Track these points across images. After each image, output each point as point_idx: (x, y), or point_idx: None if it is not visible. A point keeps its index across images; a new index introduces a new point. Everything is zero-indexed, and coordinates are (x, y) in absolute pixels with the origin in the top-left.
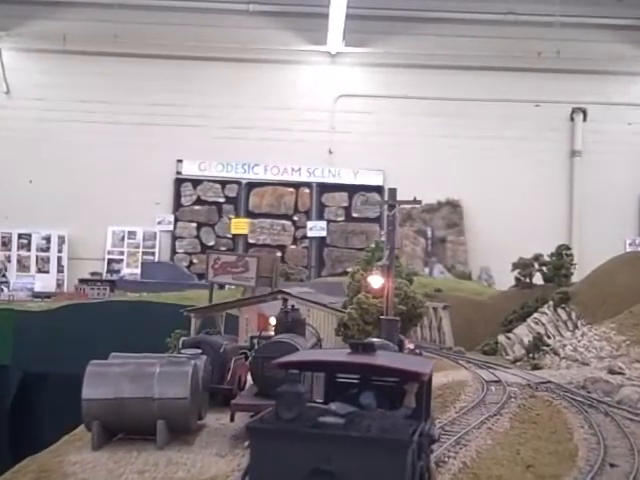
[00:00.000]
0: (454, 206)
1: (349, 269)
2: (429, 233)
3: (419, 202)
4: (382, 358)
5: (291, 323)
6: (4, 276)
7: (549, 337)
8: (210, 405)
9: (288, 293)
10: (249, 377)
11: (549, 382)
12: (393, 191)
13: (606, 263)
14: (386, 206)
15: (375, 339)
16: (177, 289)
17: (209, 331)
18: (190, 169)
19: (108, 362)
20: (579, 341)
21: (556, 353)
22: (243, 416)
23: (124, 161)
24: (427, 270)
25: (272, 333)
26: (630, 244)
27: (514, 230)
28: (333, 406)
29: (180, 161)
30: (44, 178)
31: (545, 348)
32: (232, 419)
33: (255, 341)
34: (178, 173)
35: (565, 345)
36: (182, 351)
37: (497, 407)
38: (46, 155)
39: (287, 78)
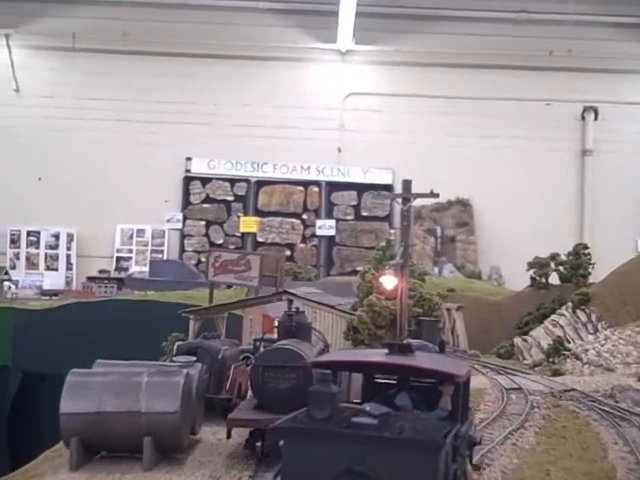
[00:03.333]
0: (464, 205)
1: (359, 268)
2: (439, 232)
3: (436, 195)
4: (418, 359)
5: (295, 327)
6: (7, 273)
7: (568, 341)
8: (206, 417)
9: (293, 294)
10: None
11: (573, 390)
12: (407, 183)
13: (626, 263)
14: (400, 200)
15: (413, 340)
16: (185, 287)
17: (207, 335)
18: (199, 167)
19: (90, 371)
20: (602, 345)
21: (578, 358)
22: (242, 432)
23: (133, 159)
24: (436, 270)
25: (276, 336)
26: None
27: (524, 229)
28: (367, 407)
29: (189, 159)
30: (53, 176)
31: (566, 352)
32: (228, 436)
33: (259, 344)
34: (187, 171)
35: (588, 349)
36: (175, 358)
37: (520, 419)
38: (55, 153)
39: (297, 76)
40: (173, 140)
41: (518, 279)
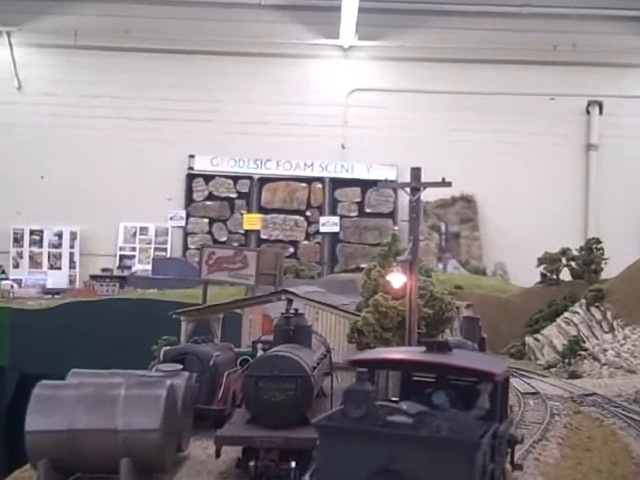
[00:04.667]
0: (468, 201)
1: (363, 265)
2: (443, 228)
3: (449, 184)
4: (456, 357)
5: (293, 331)
6: (3, 272)
7: (583, 340)
8: (196, 430)
9: (293, 293)
10: None
11: (594, 394)
12: (417, 172)
13: None
14: (408, 190)
15: (452, 338)
16: (188, 285)
17: (197, 339)
18: (202, 164)
19: (61, 384)
20: (622, 345)
21: (596, 359)
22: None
23: (136, 156)
24: (441, 266)
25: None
26: None
27: (528, 225)
28: (404, 405)
29: (192, 156)
30: (56, 174)
31: (582, 353)
32: (217, 455)
33: (258, 346)
34: (190, 168)
35: (606, 350)
36: (159, 367)
37: (541, 429)
38: (58, 151)
39: (299, 72)
40: (176, 137)
41: (523, 275)
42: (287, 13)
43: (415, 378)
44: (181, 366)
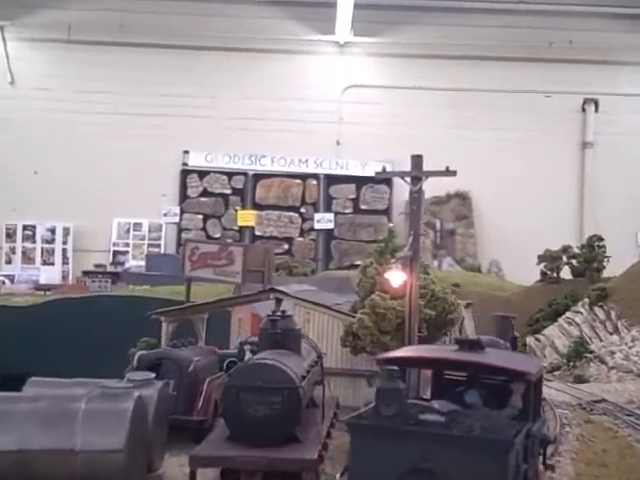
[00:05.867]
0: (463, 198)
1: (357, 262)
2: (438, 225)
3: (453, 173)
4: (488, 356)
5: (280, 335)
6: None
7: (587, 341)
8: (173, 444)
9: (282, 292)
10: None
11: (604, 401)
12: (418, 159)
13: None
14: (409, 179)
15: (484, 336)
16: (181, 282)
17: (176, 342)
18: (196, 160)
19: (14, 396)
20: (630, 347)
21: (602, 361)
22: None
23: (130, 152)
24: (436, 263)
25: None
26: None
27: (524, 222)
28: (435, 404)
29: (186, 152)
30: (49, 169)
31: (588, 355)
32: (192, 478)
33: (246, 348)
34: (184, 164)
35: (613, 352)
36: (129, 375)
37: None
38: (51, 146)
39: (295, 68)
40: (170, 133)
41: (518, 272)
42: (282, 9)
43: (446, 377)
44: (153, 374)
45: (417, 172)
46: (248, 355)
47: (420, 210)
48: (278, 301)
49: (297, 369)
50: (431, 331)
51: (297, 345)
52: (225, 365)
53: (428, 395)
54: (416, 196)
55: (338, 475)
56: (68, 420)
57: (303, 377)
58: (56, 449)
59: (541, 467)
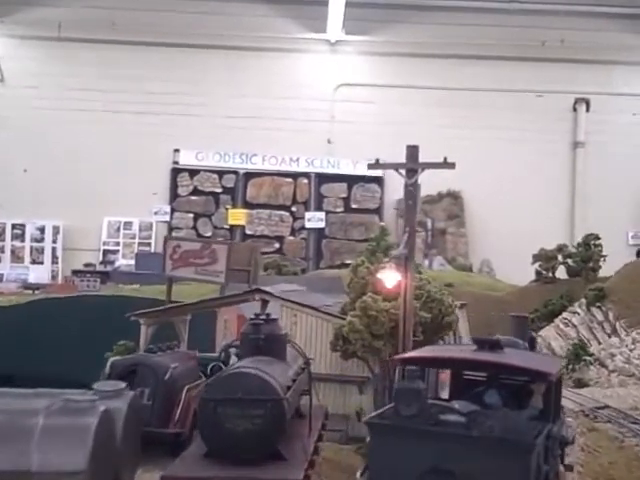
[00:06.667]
0: (455, 197)
1: (348, 261)
2: (429, 225)
3: (452, 165)
4: (509, 356)
5: (264, 340)
6: None
7: (585, 343)
8: (148, 459)
9: (268, 292)
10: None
11: (607, 407)
12: (414, 150)
13: None
14: (404, 172)
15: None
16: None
17: (152, 347)
18: (187, 159)
19: None
20: (631, 350)
21: (603, 365)
22: None
23: (120, 150)
24: (427, 262)
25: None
26: (633, 236)
27: (515, 221)
28: (455, 404)
29: (177, 151)
30: (39, 167)
31: (588, 358)
32: None
33: (231, 351)
34: (175, 163)
35: (614, 355)
36: (96, 385)
37: None
38: (41, 144)
39: (286, 67)
40: (161, 131)
41: (510, 272)
42: (273, 7)
43: (465, 377)
44: (123, 384)
45: (412, 164)
46: (233, 359)
47: (416, 205)
48: (264, 302)
49: (281, 378)
50: (427, 335)
51: (282, 351)
52: (209, 370)
53: (445, 396)
54: (411, 190)
55: (358, 474)
56: (23, 437)
57: (288, 387)
58: (9, 470)
59: (562, 469)
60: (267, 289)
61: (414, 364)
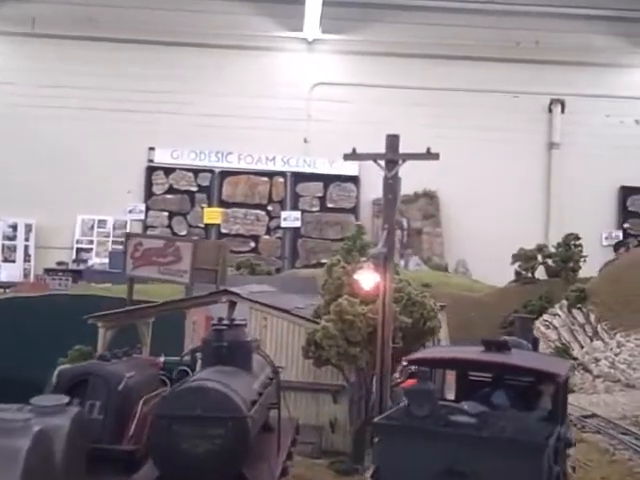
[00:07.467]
0: (431, 197)
1: (324, 260)
2: (405, 224)
3: (435, 155)
4: (517, 357)
5: (227, 349)
6: None
7: (567, 345)
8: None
9: (235, 294)
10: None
11: (594, 415)
12: (394, 139)
13: (628, 256)
14: (383, 163)
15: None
16: (144, 280)
17: (104, 355)
18: (162, 157)
19: None
20: (616, 354)
21: (587, 369)
22: None
23: (95, 148)
24: (403, 263)
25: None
26: (606, 237)
27: (491, 222)
28: (465, 405)
29: (152, 149)
30: (12, 164)
31: (571, 362)
32: None
33: (198, 356)
34: (150, 161)
35: (598, 359)
36: (34, 400)
37: None
38: (14, 141)
39: (263, 65)
40: (136, 129)
41: (485, 272)
42: (250, 5)
43: (471, 378)
44: (66, 398)
45: (392, 155)
46: (200, 364)
47: (396, 199)
48: (231, 304)
49: (246, 392)
50: (407, 341)
51: (247, 361)
52: (175, 375)
53: (450, 397)
54: (391, 183)
55: (368, 475)
56: None
57: (253, 402)
58: None
59: (570, 470)
60: (235, 290)
61: (422, 365)
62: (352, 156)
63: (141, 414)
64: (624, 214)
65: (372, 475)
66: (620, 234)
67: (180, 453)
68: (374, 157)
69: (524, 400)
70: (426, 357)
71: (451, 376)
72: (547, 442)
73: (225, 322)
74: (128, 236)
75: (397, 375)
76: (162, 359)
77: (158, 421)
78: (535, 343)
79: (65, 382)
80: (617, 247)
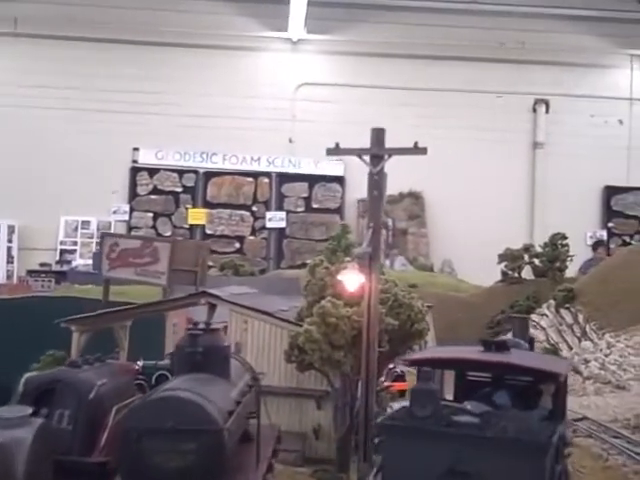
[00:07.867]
0: (416, 197)
1: (309, 261)
2: (390, 224)
3: (423, 150)
4: (517, 357)
5: (202, 355)
6: None
7: (553, 345)
8: None
9: (215, 295)
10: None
11: (585, 418)
12: (380, 133)
13: (616, 255)
14: (367, 159)
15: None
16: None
17: (74, 361)
18: (146, 158)
19: None
20: (606, 355)
21: (577, 371)
22: None
23: (79, 148)
24: (388, 263)
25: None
26: (591, 237)
27: (476, 222)
28: (468, 405)
29: (136, 149)
30: None
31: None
32: None
33: (176, 360)
34: (134, 162)
35: (588, 360)
36: None
37: None
38: None
39: (247, 65)
40: (120, 129)
41: (471, 272)
42: (234, 4)
43: (470, 378)
44: (30, 409)
45: (378, 149)
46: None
47: (382, 197)
48: (211, 307)
49: (222, 402)
50: (393, 344)
51: (225, 367)
52: (154, 380)
53: (449, 397)
54: (377, 179)
55: (371, 476)
56: None
57: (230, 412)
58: None
59: (570, 469)
60: (215, 292)
61: (423, 365)
62: (335, 151)
63: (113, 424)
64: (608, 214)
65: (375, 475)
66: (604, 234)
67: (150, 469)
68: (358, 152)
69: (524, 399)
70: (425, 357)
71: (449, 376)
72: (550, 441)
73: (200, 326)
74: (103, 236)
75: (382, 379)
76: (140, 363)
77: (127, 434)
78: (531, 343)
79: (32, 390)
80: (596, 246)
